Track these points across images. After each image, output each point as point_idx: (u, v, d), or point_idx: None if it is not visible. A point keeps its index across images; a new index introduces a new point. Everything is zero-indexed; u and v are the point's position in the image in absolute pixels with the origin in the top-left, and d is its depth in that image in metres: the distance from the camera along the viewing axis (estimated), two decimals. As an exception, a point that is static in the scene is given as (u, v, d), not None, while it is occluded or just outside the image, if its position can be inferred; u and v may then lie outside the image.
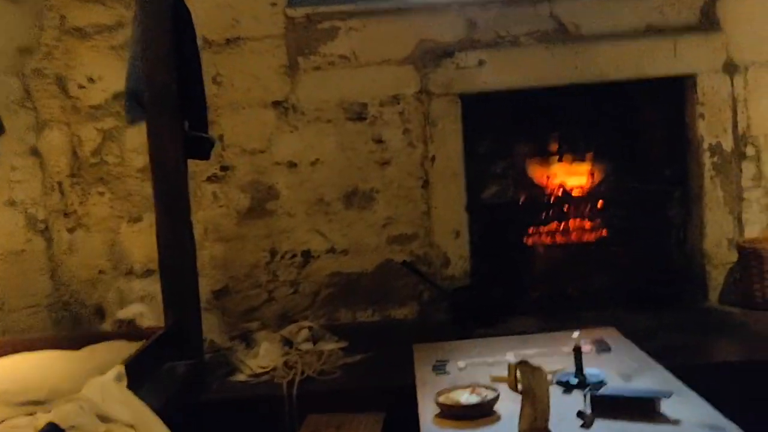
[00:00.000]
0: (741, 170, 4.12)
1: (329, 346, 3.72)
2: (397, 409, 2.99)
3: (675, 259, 4.29)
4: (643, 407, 2.09)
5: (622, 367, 2.52)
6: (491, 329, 3.85)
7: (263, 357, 3.38)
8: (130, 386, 2.59)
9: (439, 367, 2.70)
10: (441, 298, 4.17)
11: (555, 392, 2.28)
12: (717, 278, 4.11)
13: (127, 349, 2.95)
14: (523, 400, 2.03)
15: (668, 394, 2.09)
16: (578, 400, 2.20)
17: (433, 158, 4.17)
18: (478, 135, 4.30)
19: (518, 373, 2.10)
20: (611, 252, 4.43)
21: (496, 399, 2.21)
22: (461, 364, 2.68)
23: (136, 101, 2.94)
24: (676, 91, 4.22)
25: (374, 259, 4.25)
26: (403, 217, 4.23)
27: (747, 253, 3.85)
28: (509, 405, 2.19)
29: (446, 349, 2.93)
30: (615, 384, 2.34)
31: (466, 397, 2.20)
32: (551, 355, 2.68)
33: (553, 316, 4.03)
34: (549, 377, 2.31)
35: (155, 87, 2.84)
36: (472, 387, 2.25)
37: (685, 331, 3.61)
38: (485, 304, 4.04)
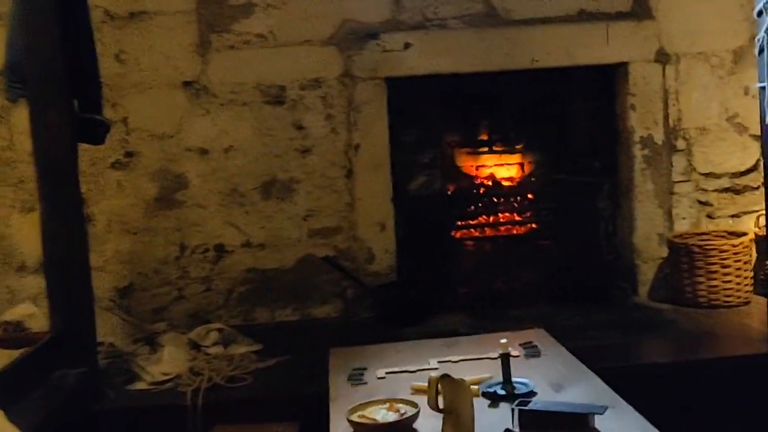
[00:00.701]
0: (672, 163, 4.01)
1: (241, 349, 3.45)
2: (312, 419, 2.75)
3: (604, 253, 4.17)
4: (576, 423, 1.90)
5: (552, 375, 2.34)
6: (417, 328, 3.67)
7: (167, 362, 3.09)
8: (8, 399, 2.28)
9: (356, 377, 2.46)
10: (365, 296, 3.95)
11: (481, 405, 2.08)
12: (647, 273, 4.01)
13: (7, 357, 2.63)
14: (444, 419, 1.82)
15: (602, 410, 1.91)
16: (506, 415, 2.00)
17: (357, 146, 3.95)
18: (405, 122, 4.10)
19: (440, 388, 1.88)
20: (540, 246, 4.30)
21: (416, 416, 1.99)
22: (381, 372, 2.46)
23: (18, 77, 2.60)
24: (608, 81, 4.09)
25: (294, 253, 4.00)
26: (326, 209, 3.99)
27: (677, 249, 3.75)
28: (431, 421, 1.97)
29: (365, 355, 2.70)
30: (545, 396, 2.15)
31: (383, 415, 1.98)
32: (478, 361, 2.48)
33: (481, 313, 3.89)
34: (474, 388, 2.10)
35: (37, 61, 2.51)
36: (390, 403, 2.02)
37: (615, 328, 3.48)
38: (411, 301, 3.84)
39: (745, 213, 4.04)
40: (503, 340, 2.20)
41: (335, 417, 2.10)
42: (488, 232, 4.32)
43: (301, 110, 3.95)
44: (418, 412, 1.99)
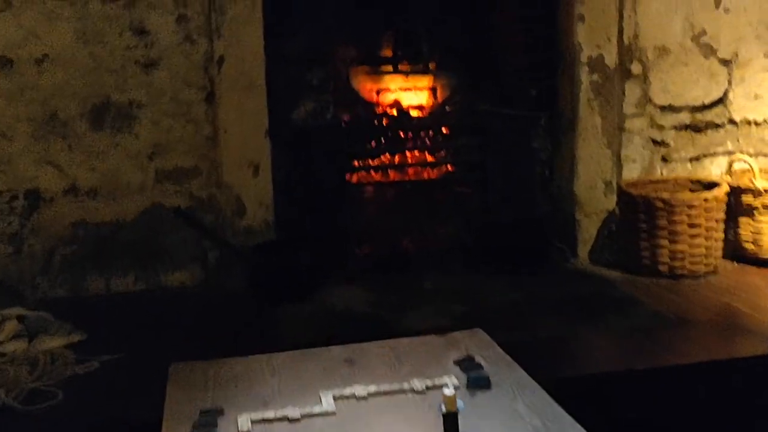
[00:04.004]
0: (624, 93, 3.20)
1: (53, 343, 2.47)
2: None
3: (539, 205, 3.36)
4: None
5: (515, 426, 1.48)
6: (301, 306, 2.79)
7: None
8: None
9: (205, 425, 1.53)
10: (233, 260, 2.99)
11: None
12: (589, 230, 3.25)
13: None
14: None
15: None
16: None
17: (221, 60, 2.97)
18: (287, 30, 3.15)
19: None
20: (459, 194, 3.47)
21: None
22: (244, 422, 1.53)
23: None
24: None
25: (136, 204, 3.06)
26: (179, 144, 3.04)
27: (632, 202, 2.97)
28: None
29: (222, 381, 1.76)
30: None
31: None
32: (397, 396, 1.60)
33: (385, 282, 3.03)
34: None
35: None
36: None
37: (559, 310, 2.67)
38: (294, 268, 2.92)
39: (706, 156, 3.33)
40: (447, 391, 1.32)
41: None
42: (393, 175, 3.46)
43: (143, 8, 2.99)
44: None
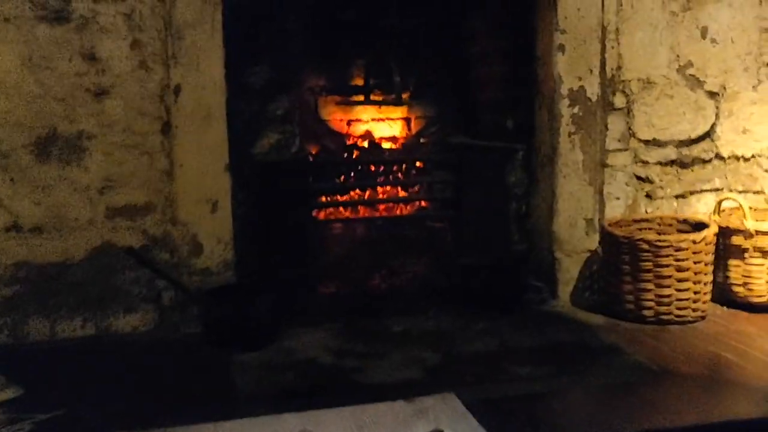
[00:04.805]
0: (607, 126, 3.04)
1: (-18, 400, 2.21)
2: None
3: (515, 242, 3.18)
4: None
5: None
6: (262, 353, 2.60)
7: None
8: None
9: None
10: (189, 302, 2.77)
11: None
12: (570, 270, 3.07)
13: None
14: None
15: None
16: None
17: (177, 89, 2.76)
18: (250, 57, 2.96)
19: None
20: (432, 230, 3.26)
21: None
22: None
23: None
24: (526, 9, 3.05)
25: (86, 241, 2.83)
26: (132, 178, 2.84)
27: (616, 242, 2.79)
28: None
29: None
30: None
31: None
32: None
33: (353, 325, 2.84)
34: None
35: None
36: None
37: (540, 361, 2.46)
38: (253, 312, 2.70)
39: (692, 193, 3.17)
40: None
41: None
42: (363, 211, 3.27)
43: (94, 32, 2.79)
44: None
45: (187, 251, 2.84)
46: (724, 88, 3.10)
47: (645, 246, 2.69)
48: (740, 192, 3.12)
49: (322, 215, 3.20)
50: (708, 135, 3.12)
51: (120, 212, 2.83)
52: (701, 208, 3.14)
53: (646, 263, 2.69)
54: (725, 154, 3.15)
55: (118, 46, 2.76)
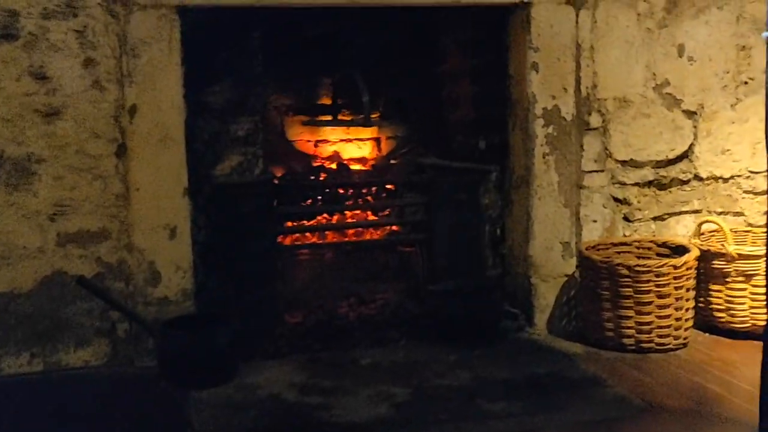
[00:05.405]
0: (582, 147, 2.93)
1: None
2: None
3: (488, 267, 3.05)
4: None
5: None
6: (221, 389, 2.44)
7: None
8: None
9: None
10: (145, 334, 2.61)
11: None
12: (546, 296, 2.94)
13: None
14: None
15: None
16: None
17: (133, 109, 2.63)
18: (210, 75, 2.83)
19: None
20: (403, 255, 3.13)
21: None
22: None
23: None
24: (498, 27, 2.95)
25: (34, 270, 2.65)
26: (84, 203, 2.67)
27: (594, 268, 2.68)
28: None
29: None
30: None
31: None
32: None
33: (319, 357, 2.70)
34: None
35: None
36: None
37: (512, 397, 2.32)
38: (211, 346, 2.54)
39: (671, 215, 3.07)
40: None
41: None
42: (331, 236, 3.11)
43: (44, 50, 2.63)
44: None
45: (144, 280, 2.68)
46: (702, 107, 3.01)
47: (624, 271, 2.58)
48: (719, 213, 3.03)
49: (287, 240, 3.05)
50: (686, 155, 3.03)
51: (72, 239, 2.66)
52: (680, 230, 3.04)
53: (626, 289, 2.58)
54: (704, 175, 3.05)
55: (69, 65, 2.61)
